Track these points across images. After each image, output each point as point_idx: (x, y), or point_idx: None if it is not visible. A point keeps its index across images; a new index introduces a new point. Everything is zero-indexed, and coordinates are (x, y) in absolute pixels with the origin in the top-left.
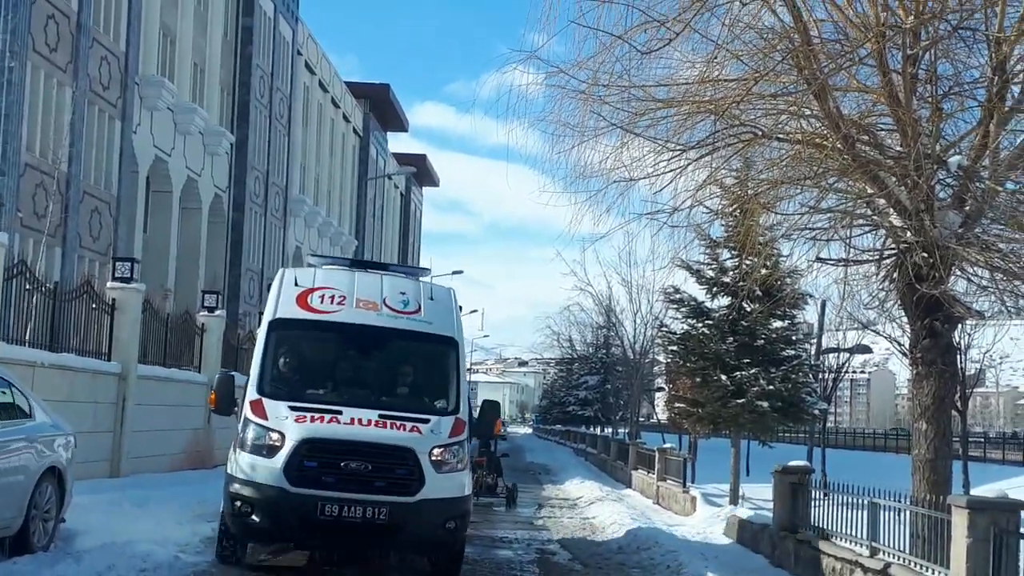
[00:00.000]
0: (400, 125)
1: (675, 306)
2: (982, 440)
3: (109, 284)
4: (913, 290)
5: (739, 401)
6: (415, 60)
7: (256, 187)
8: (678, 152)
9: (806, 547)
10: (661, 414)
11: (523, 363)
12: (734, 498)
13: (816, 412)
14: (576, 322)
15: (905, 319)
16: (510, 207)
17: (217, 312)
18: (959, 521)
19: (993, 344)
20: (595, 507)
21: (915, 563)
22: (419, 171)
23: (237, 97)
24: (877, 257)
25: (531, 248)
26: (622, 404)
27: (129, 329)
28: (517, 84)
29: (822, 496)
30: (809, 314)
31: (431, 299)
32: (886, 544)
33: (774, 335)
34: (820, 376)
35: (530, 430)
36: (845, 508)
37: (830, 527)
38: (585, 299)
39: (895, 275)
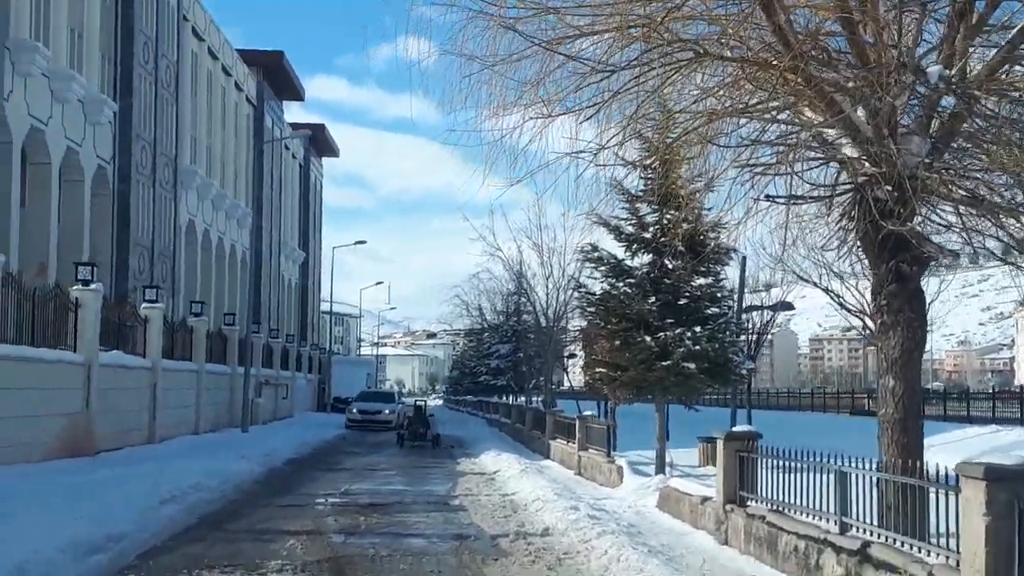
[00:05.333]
0: (296, 94)
1: (593, 265)
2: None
3: None
4: (876, 228)
5: (664, 363)
6: (303, 31)
7: (143, 157)
8: (607, 74)
9: (759, 523)
10: (575, 380)
11: (431, 335)
12: (661, 466)
13: (743, 372)
14: (486, 290)
15: (855, 267)
16: (409, 180)
17: (93, 286)
18: (973, 495)
19: (937, 295)
20: (514, 482)
21: (905, 543)
22: (317, 140)
23: (120, 63)
24: (829, 194)
25: (433, 220)
26: (535, 372)
27: None
28: (411, 54)
29: (775, 464)
30: (733, 271)
31: None
32: (858, 519)
33: (698, 293)
34: (743, 335)
35: (440, 402)
36: (801, 475)
37: (786, 499)
38: (495, 265)
39: (854, 212)
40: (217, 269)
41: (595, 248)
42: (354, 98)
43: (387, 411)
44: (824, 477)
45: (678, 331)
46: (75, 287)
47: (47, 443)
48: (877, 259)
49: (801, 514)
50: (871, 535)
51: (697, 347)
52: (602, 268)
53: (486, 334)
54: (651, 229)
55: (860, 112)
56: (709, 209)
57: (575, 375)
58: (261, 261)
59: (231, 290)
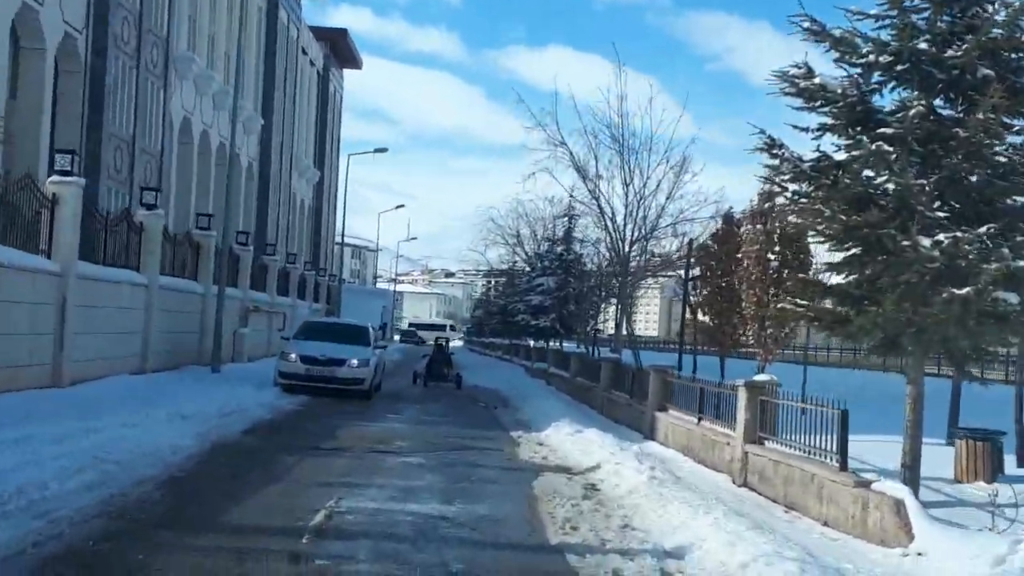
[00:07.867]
0: None
1: (806, 103)
2: None
3: None
4: None
5: (959, 292)
6: None
7: (125, 32)
8: None
9: None
10: (643, 328)
11: (450, 274)
12: (914, 480)
13: None
14: (524, 214)
15: None
16: (432, 116)
17: (73, 178)
18: None
19: None
20: (654, 508)
21: None
22: (339, 48)
23: None
24: None
25: (456, 158)
26: (592, 312)
27: None
28: None
29: None
30: None
31: None
32: None
33: (1011, 160)
34: None
35: (460, 343)
36: None
37: None
38: (558, 165)
39: None
40: (217, 177)
41: (811, 71)
42: (379, 29)
43: (355, 362)
44: None
45: (980, 231)
46: (51, 179)
47: None
48: None
49: None
50: None
51: (1020, 262)
52: (823, 109)
53: (519, 265)
54: (926, 38)
55: None
56: None
57: (644, 321)
58: (269, 174)
59: (235, 203)
